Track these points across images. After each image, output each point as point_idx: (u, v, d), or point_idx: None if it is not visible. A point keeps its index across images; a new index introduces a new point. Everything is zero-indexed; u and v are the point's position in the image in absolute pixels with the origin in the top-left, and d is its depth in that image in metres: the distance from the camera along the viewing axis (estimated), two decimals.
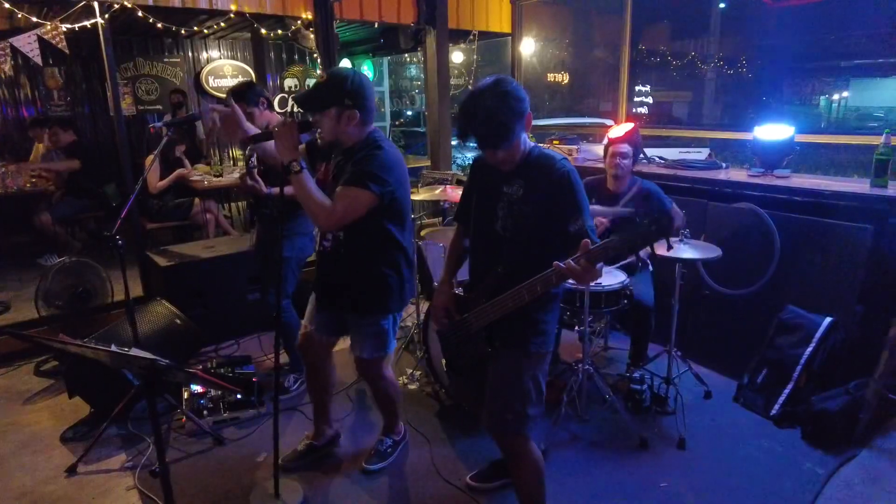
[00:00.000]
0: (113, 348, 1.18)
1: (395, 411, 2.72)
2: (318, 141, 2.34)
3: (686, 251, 2.83)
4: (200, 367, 3.35)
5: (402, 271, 2.30)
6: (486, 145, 1.78)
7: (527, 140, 1.88)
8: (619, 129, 4.18)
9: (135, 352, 1.16)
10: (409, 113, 11.15)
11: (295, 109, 7.45)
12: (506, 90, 1.71)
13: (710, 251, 2.86)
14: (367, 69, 8.87)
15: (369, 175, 2.04)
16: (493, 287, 1.89)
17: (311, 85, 8.12)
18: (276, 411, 2.33)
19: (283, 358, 3.33)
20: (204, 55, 7.58)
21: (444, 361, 2.28)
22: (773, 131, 3.46)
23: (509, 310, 1.81)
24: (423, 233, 3.34)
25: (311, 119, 2.15)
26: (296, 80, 7.90)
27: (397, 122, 9.72)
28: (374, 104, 2.18)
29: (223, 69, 7.60)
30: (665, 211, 1.47)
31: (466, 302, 2.04)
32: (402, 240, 2.26)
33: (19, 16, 3.82)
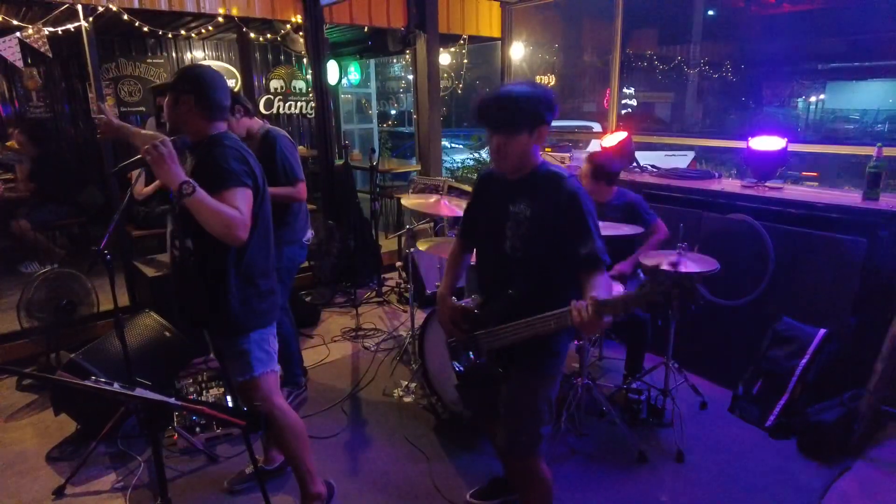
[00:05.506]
0: (116, 387, 1.13)
1: (300, 456, 2.23)
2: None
3: (685, 265, 2.82)
4: (190, 380, 3.27)
5: (258, 283, 2.04)
6: (494, 123, 1.76)
7: (538, 154, 1.85)
8: (611, 139, 4.18)
9: (141, 392, 1.10)
10: (393, 112, 11.09)
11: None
12: (543, 92, 1.74)
13: (708, 265, 2.85)
14: (353, 70, 8.78)
15: (234, 171, 1.88)
16: (505, 310, 1.85)
17: (296, 87, 8.04)
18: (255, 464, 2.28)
19: None
20: (188, 56, 7.43)
21: (454, 374, 2.23)
22: (766, 142, 3.48)
23: (523, 338, 1.77)
24: (420, 245, 3.29)
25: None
26: (282, 81, 7.77)
27: (386, 124, 9.64)
28: (220, 99, 1.99)
29: None
30: (689, 275, 1.43)
31: (476, 319, 1.99)
32: (258, 246, 2.03)
33: None
